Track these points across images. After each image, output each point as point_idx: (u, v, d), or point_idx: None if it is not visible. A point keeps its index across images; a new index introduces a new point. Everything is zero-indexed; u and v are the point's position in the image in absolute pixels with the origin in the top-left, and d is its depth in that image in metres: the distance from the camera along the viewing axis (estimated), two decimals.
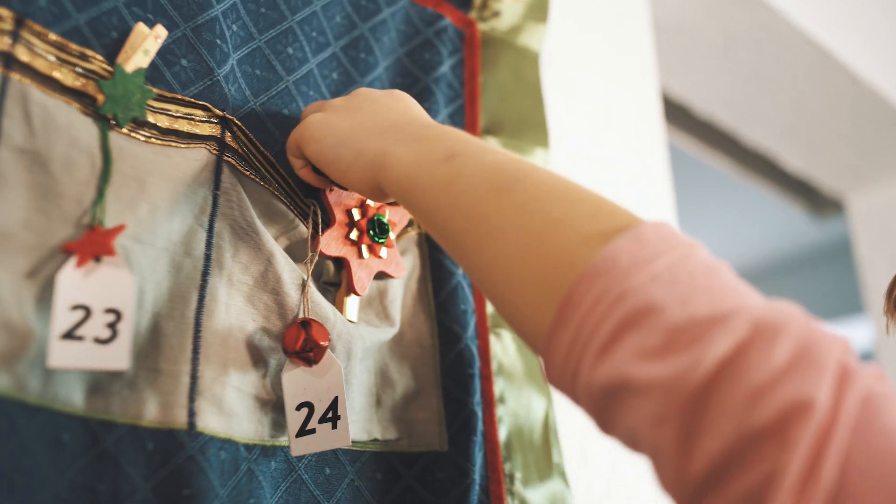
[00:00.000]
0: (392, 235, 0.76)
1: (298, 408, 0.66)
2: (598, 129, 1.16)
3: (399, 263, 0.77)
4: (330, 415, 0.66)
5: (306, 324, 0.66)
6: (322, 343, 0.66)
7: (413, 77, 0.87)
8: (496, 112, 0.92)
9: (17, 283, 0.54)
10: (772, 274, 4.66)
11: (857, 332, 4.34)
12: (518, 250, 0.50)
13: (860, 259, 2.26)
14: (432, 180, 0.57)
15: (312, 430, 0.66)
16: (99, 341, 0.55)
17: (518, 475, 0.79)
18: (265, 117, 0.72)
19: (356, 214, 0.74)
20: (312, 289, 0.69)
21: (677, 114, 1.90)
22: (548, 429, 0.84)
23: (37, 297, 0.55)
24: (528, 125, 0.94)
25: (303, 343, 0.66)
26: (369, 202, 0.75)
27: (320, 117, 0.68)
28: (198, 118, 0.66)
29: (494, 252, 0.52)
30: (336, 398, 0.67)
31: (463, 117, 0.89)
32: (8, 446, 0.52)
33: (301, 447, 0.65)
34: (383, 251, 0.75)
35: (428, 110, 0.85)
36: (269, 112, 0.73)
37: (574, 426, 0.96)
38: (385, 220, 0.75)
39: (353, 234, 0.73)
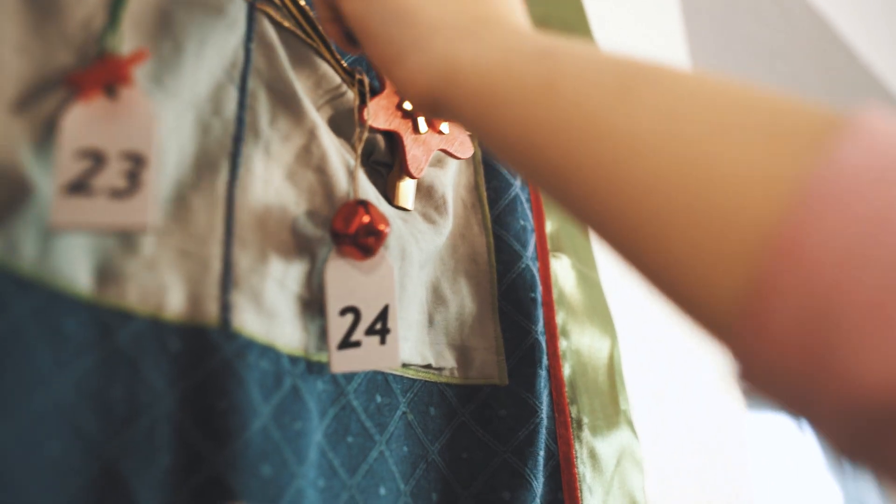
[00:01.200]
0: None
1: (342, 312, 0.53)
2: None
3: (465, 142, 0.63)
4: (378, 326, 0.53)
5: (364, 204, 0.53)
6: (383, 228, 0.53)
7: None
8: (542, 18, 0.80)
9: (7, 120, 0.41)
10: None
11: None
12: (671, 174, 0.31)
13: None
14: (523, 84, 0.38)
15: (357, 343, 0.53)
16: (116, 193, 0.41)
17: (585, 420, 0.67)
18: None
19: None
20: (361, 174, 0.56)
21: None
22: (613, 371, 0.72)
23: (33, 139, 0.42)
24: (572, 32, 0.82)
25: (359, 224, 0.52)
26: None
27: None
28: None
29: (632, 180, 0.32)
30: (386, 306, 0.54)
31: None
32: None
33: (342, 362, 0.52)
34: (444, 125, 0.61)
35: None
36: None
37: (642, 370, 0.84)
38: None
39: (407, 104, 0.60)
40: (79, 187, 0.40)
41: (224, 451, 0.44)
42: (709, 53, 1.71)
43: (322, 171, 0.54)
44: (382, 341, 0.54)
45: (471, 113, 0.41)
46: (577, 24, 0.82)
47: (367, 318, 0.53)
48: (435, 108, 0.43)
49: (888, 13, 1.95)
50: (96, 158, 0.41)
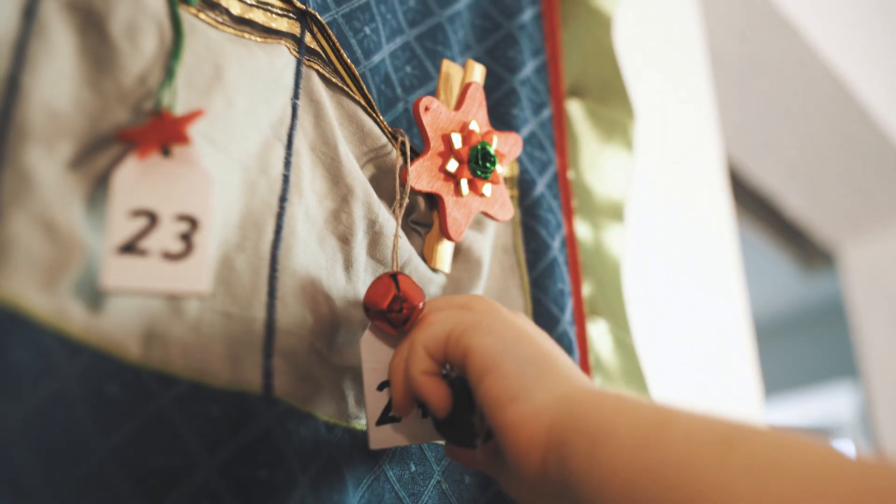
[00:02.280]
0: (500, 169, 0.61)
1: (380, 387, 0.51)
2: (659, 160, 1.04)
3: (506, 203, 0.62)
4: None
5: (395, 277, 0.51)
6: (417, 303, 0.51)
7: (494, 22, 0.74)
8: (578, 74, 0.79)
9: (62, 176, 0.40)
10: (760, 335, 4.58)
11: (840, 399, 4.26)
12: None
13: (853, 314, 2.17)
14: (636, 426, 0.39)
15: (395, 418, 0.51)
16: (168, 256, 0.40)
17: None
18: (348, 30, 0.59)
19: (456, 141, 0.59)
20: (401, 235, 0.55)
21: None
22: None
23: (86, 197, 0.41)
24: (611, 92, 0.81)
25: (392, 299, 0.50)
26: (473, 126, 0.60)
27: (483, 318, 0.48)
28: (275, 10, 0.52)
29: None
30: None
31: (547, 75, 0.76)
32: (41, 390, 0.37)
33: (381, 438, 0.51)
34: (486, 188, 0.60)
35: (513, 59, 0.72)
36: (352, 26, 0.59)
37: None
38: (492, 150, 0.59)
39: (451, 166, 0.58)
40: (131, 248, 0.39)
41: None
42: (732, 109, 1.71)
43: (346, 240, 0.53)
44: (424, 415, 0.52)
45: (583, 454, 0.40)
46: (614, 83, 0.82)
47: None
48: (548, 450, 0.42)
49: None
50: (150, 219, 0.40)
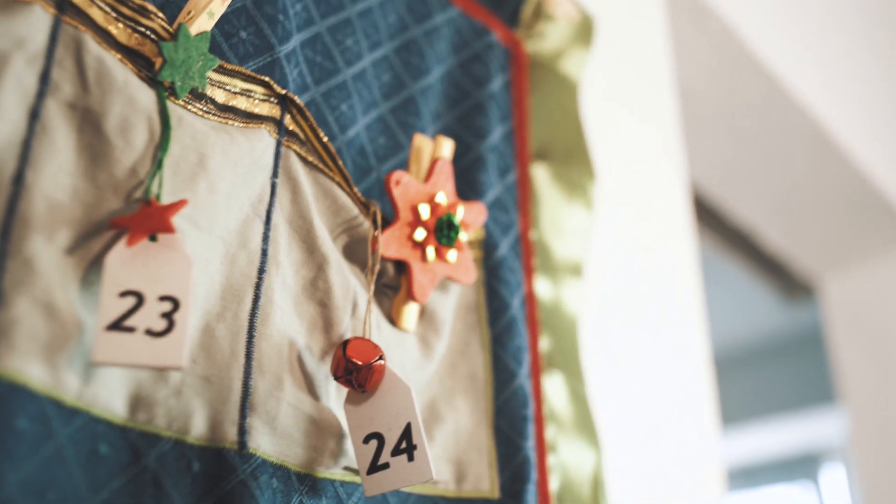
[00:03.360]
0: (464, 236, 0.67)
1: (366, 440, 0.57)
2: (623, 192, 1.10)
3: (469, 269, 0.68)
4: (404, 445, 0.57)
5: (345, 343, 0.57)
6: (358, 362, 0.56)
7: (464, 91, 0.80)
8: (544, 139, 0.85)
9: (61, 261, 0.45)
10: (740, 362, 4.61)
11: (828, 424, 4.31)
12: None
13: (833, 346, 2.22)
14: None
15: (386, 465, 0.56)
16: (152, 333, 0.46)
17: None
18: (325, 108, 0.64)
19: (424, 212, 0.65)
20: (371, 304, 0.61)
21: None
22: (596, 483, 0.76)
23: (82, 279, 0.46)
24: (575, 155, 0.87)
25: (342, 367, 0.56)
26: (440, 198, 0.66)
27: None
28: (257, 96, 0.58)
29: None
30: (409, 424, 0.57)
31: (513, 140, 0.82)
32: (41, 453, 0.43)
33: (375, 486, 0.56)
34: (451, 254, 0.66)
35: (481, 127, 0.78)
36: (330, 104, 0.65)
37: (623, 482, 0.88)
38: (456, 221, 0.65)
39: (419, 235, 0.64)
40: (119, 326, 0.45)
41: None
42: (712, 149, 1.77)
43: (325, 304, 0.58)
44: (410, 458, 0.57)
45: None
46: (578, 146, 0.87)
47: (392, 440, 0.56)
48: None
49: (875, 117, 2.02)
50: (137, 299, 0.46)
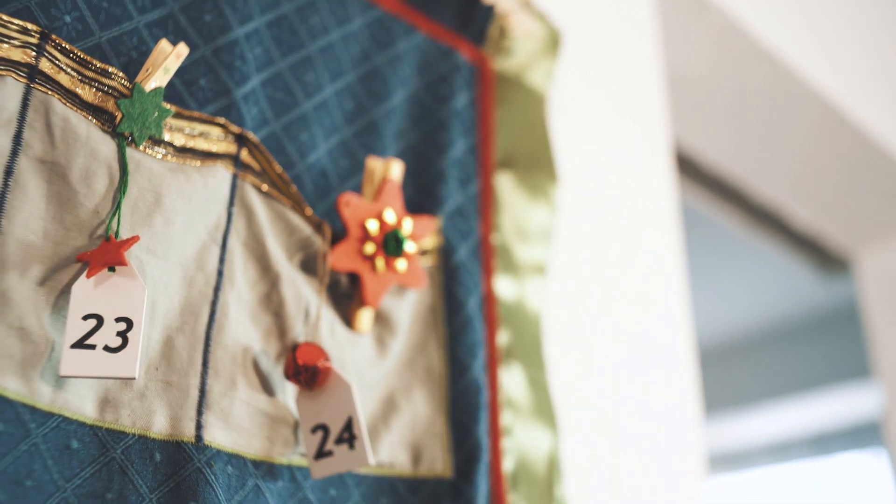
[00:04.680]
0: (411, 247, 0.75)
1: (314, 430, 0.66)
2: (606, 179, 1.17)
3: (418, 275, 0.77)
4: (346, 435, 0.66)
5: (295, 347, 0.67)
6: (305, 364, 0.66)
7: (428, 110, 0.88)
8: (509, 149, 0.93)
9: (34, 292, 0.55)
10: (777, 337, 4.62)
11: (865, 398, 4.30)
12: None
13: (869, 320, 2.25)
14: None
15: (329, 453, 0.66)
16: (109, 349, 0.55)
17: None
18: (285, 139, 0.73)
19: (372, 228, 0.73)
20: (325, 307, 0.70)
21: (686, 167, 1.91)
22: (552, 463, 0.84)
23: (52, 306, 0.56)
24: (539, 162, 0.95)
25: (292, 369, 0.66)
26: (388, 214, 0.74)
27: None
28: (214, 136, 0.67)
29: None
30: (349, 418, 0.67)
31: (477, 152, 0.90)
32: (19, 449, 0.52)
33: (321, 470, 0.65)
34: (400, 263, 0.74)
35: (443, 144, 0.86)
36: (290, 134, 0.74)
37: (578, 463, 0.95)
38: (402, 236, 0.74)
39: (368, 248, 0.73)
40: (82, 344, 0.54)
41: None
42: (728, 134, 1.82)
43: (278, 314, 0.68)
44: (351, 447, 0.66)
45: None
46: (542, 154, 0.95)
47: (335, 431, 0.66)
48: None
49: (886, 89, 2.03)
50: (97, 321, 0.55)
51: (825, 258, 2.36)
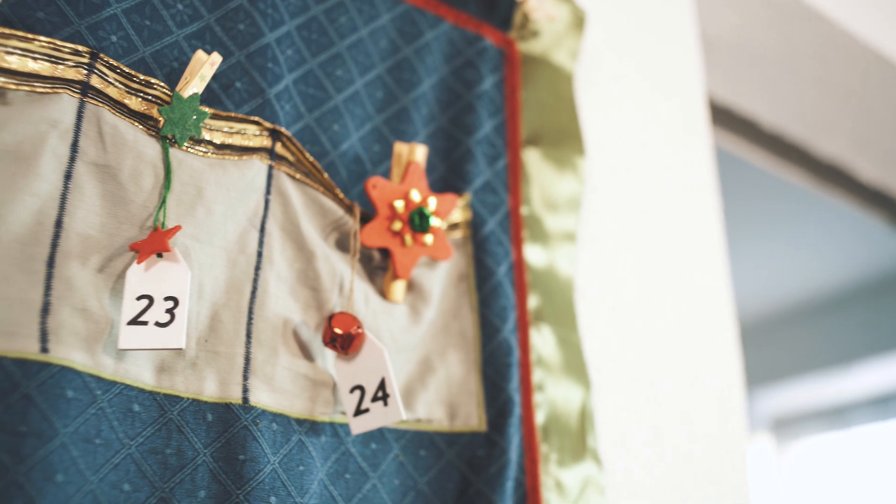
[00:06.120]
0: (437, 222, 0.82)
1: (352, 391, 0.74)
2: (641, 141, 1.22)
3: (445, 248, 0.84)
4: (380, 394, 0.74)
5: (331, 317, 0.74)
6: (349, 330, 0.73)
7: (456, 94, 0.95)
8: (536, 125, 0.99)
9: (94, 277, 0.64)
10: (857, 296, 4.47)
11: None
12: None
13: None
14: None
15: (367, 410, 0.74)
16: (159, 324, 0.64)
17: (554, 456, 0.86)
18: (318, 130, 0.81)
19: (399, 207, 0.81)
20: (358, 282, 0.77)
21: (746, 128, 1.93)
22: (584, 415, 0.91)
23: (110, 289, 0.64)
24: (566, 136, 1.01)
25: (329, 335, 0.74)
26: (413, 194, 0.82)
27: None
28: (250, 132, 0.74)
29: None
30: (383, 378, 0.74)
31: (505, 130, 0.97)
32: (88, 412, 0.61)
33: (359, 426, 0.73)
34: (427, 237, 0.82)
35: (471, 125, 0.93)
36: (322, 125, 0.82)
37: (614, 416, 1.01)
38: (427, 212, 0.81)
39: (396, 226, 0.81)
40: (136, 321, 0.63)
41: (244, 487, 0.66)
42: (787, 94, 1.84)
43: (315, 288, 0.76)
44: (385, 404, 0.74)
45: None
46: (570, 128, 1.01)
47: (370, 391, 0.74)
48: None
49: None
50: (149, 300, 0.64)
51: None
